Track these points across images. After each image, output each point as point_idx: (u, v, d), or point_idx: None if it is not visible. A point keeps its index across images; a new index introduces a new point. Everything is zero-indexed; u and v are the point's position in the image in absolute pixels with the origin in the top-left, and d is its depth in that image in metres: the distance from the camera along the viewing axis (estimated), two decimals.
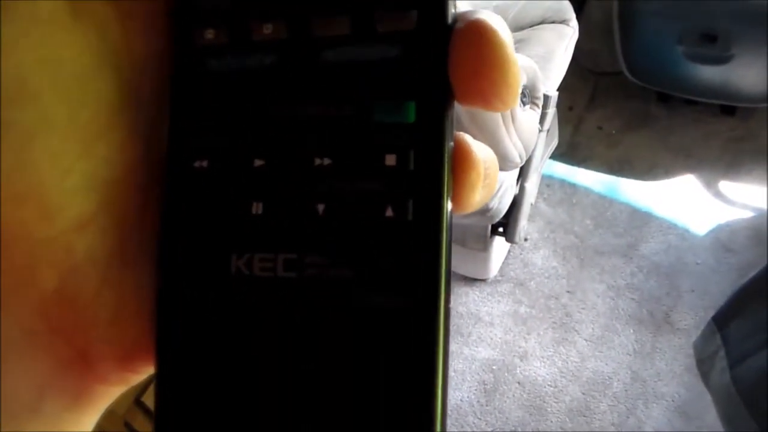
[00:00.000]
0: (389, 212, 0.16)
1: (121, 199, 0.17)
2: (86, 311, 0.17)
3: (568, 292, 1.56)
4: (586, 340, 1.48)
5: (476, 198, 0.17)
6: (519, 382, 1.44)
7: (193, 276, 0.17)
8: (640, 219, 1.67)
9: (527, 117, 1.14)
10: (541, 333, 1.50)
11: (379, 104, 0.16)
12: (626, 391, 1.41)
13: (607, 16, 1.70)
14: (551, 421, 1.38)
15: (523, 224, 1.63)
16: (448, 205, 0.16)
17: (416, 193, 0.16)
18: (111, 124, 0.17)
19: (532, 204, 1.68)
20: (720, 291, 1.47)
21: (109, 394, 0.18)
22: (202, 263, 0.17)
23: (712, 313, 0.97)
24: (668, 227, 1.64)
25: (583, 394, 1.41)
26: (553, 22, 1.41)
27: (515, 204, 1.47)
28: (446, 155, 0.16)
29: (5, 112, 0.15)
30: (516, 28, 1.39)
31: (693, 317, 1.48)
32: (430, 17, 0.16)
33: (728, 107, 1.77)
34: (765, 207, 1.63)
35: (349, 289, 0.16)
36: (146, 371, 0.18)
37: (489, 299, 1.56)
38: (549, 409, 1.40)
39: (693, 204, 1.68)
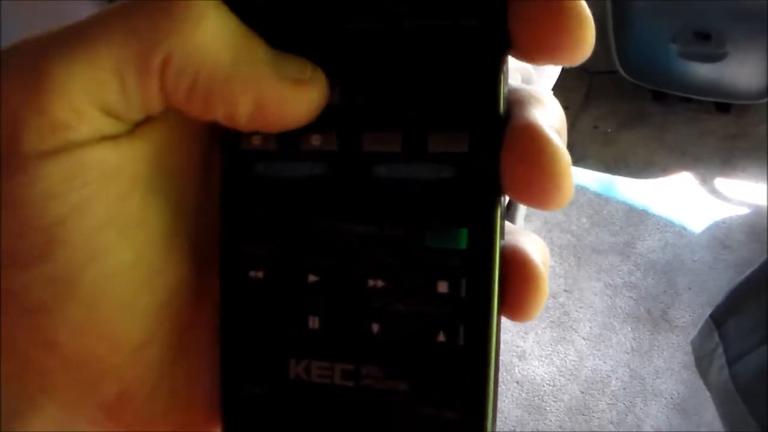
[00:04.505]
0: (441, 337, 0.17)
1: (177, 314, 0.19)
2: (143, 407, 0.18)
3: (565, 291, 1.56)
4: (584, 339, 1.48)
5: (539, 310, 0.17)
6: (517, 382, 1.44)
7: (254, 377, 0.18)
8: (636, 217, 1.67)
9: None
10: (539, 332, 1.50)
11: (431, 230, 0.17)
12: (625, 389, 1.41)
13: (602, 15, 1.70)
14: (550, 420, 1.38)
15: (520, 224, 1.63)
16: (496, 329, 0.17)
17: (467, 321, 0.16)
18: (167, 253, 0.18)
19: None
20: (717, 288, 1.47)
21: None
22: (262, 366, 0.18)
23: (709, 310, 0.96)
24: (665, 225, 1.64)
25: (582, 392, 1.41)
26: None
27: (512, 204, 1.47)
28: (496, 281, 0.17)
29: (78, 273, 0.17)
30: None
31: (690, 314, 1.48)
32: (483, 139, 0.16)
33: (723, 105, 1.77)
34: (761, 203, 1.64)
35: (404, 401, 0.17)
36: None
37: None
38: (548, 409, 1.40)
39: (689, 201, 1.68)
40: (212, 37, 0.16)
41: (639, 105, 1.86)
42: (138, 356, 0.18)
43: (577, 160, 1.80)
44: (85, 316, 0.17)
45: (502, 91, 0.17)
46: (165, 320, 0.18)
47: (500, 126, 0.16)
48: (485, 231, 0.16)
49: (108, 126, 0.17)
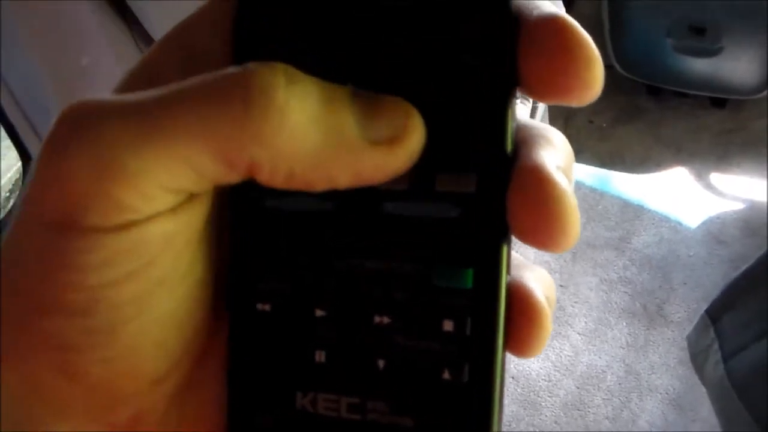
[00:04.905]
0: (446, 374, 0.17)
1: (197, 350, 0.19)
2: (154, 429, 0.19)
3: (561, 286, 1.56)
4: (579, 334, 1.49)
5: (543, 346, 0.18)
6: (513, 377, 1.44)
7: (260, 409, 0.18)
8: (631, 212, 1.67)
9: (517, 111, 1.13)
10: None
11: (438, 269, 0.17)
12: (620, 384, 1.41)
13: (597, 10, 1.70)
14: (545, 416, 1.38)
15: None
16: (501, 366, 0.17)
17: (472, 359, 0.17)
18: (200, 298, 0.18)
19: None
20: (712, 283, 1.47)
21: None
22: (269, 398, 0.18)
23: (704, 305, 0.97)
24: (660, 220, 1.64)
25: (577, 388, 1.41)
26: None
27: None
28: (501, 320, 0.17)
29: (120, 327, 0.17)
30: None
31: (686, 310, 1.49)
32: (490, 180, 0.17)
33: (718, 100, 1.78)
34: (756, 199, 1.64)
35: None
36: None
37: None
38: (543, 404, 1.40)
39: (684, 196, 1.68)
40: (298, 131, 0.15)
41: (634, 100, 1.86)
42: (156, 387, 0.18)
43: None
44: (118, 357, 0.17)
45: (509, 129, 0.17)
46: (186, 356, 0.19)
47: (507, 166, 0.17)
48: (490, 272, 0.17)
49: (172, 201, 0.16)
